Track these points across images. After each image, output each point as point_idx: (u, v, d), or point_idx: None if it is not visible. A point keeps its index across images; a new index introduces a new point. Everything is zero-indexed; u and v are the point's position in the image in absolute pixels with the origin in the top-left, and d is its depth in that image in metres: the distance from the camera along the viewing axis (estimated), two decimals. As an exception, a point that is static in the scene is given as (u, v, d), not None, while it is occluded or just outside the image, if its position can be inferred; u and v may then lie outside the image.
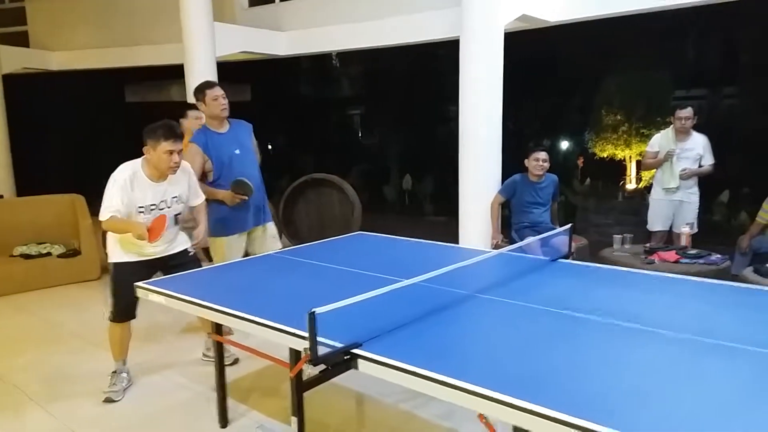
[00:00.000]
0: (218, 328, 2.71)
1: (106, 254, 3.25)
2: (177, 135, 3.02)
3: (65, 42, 9.61)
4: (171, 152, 2.98)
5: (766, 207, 4.98)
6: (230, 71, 8.51)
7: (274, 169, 13.18)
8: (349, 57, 12.94)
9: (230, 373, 3.01)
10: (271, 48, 7.96)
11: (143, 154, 3.08)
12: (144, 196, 3.03)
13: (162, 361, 3.76)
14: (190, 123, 4.56)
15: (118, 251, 3.16)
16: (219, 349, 2.82)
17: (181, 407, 3.15)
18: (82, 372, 3.62)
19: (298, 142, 14.07)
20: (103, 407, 3.15)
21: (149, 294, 2.63)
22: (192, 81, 6.96)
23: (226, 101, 3.68)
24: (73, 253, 5.72)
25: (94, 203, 4.04)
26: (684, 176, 4.92)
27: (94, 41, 9.34)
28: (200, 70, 6.91)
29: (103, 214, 2.94)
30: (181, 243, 3.35)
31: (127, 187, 2.97)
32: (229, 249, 3.73)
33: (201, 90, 3.67)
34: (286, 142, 15.01)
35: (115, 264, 3.17)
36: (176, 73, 7.41)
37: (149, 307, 4.25)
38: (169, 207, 3.14)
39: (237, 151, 3.73)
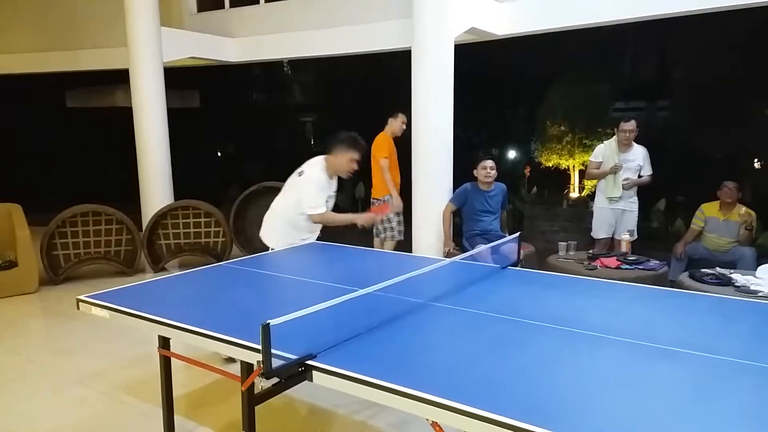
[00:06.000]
0: (165, 342, 2.63)
1: (261, 241, 3.76)
2: (361, 147, 3.59)
3: (2, 45, 9.16)
4: (354, 161, 3.58)
5: (699, 215, 5.27)
6: (178, 77, 8.34)
7: (225, 177, 12.96)
8: (301, 64, 12.90)
9: (177, 388, 2.92)
10: (220, 54, 7.84)
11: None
12: (329, 189, 3.63)
13: (105, 377, 3.61)
14: (394, 126, 5.47)
15: (281, 242, 3.65)
16: (167, 364, 2.73)
17: (125, 424, 3.04)
18: (17, 390, 3.43)
19: (249, 150, 13.87)
20: (39, 426, 3.00)
21: (92, 308, 2.52)
22: (137, 86, 6.79)
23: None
24: (9, 265, 5.43)
25: (32, 213, 3.85)
26: (626, 186, 5.14)
27: (34, 44, 8.95)
28: (146, 75, 6.76)
29: (319, 210, 3.53)
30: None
31: (324, 185, 3.57)
32: None
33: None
34: (237, 150, 14.77)
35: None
36: (121, 77, 7.20)
37: (92, 322, 4.09)
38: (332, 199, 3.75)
39: None
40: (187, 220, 6.50)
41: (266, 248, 3.78)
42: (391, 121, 5.50)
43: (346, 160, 3.56)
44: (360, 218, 3.62)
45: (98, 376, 3.63)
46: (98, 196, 6.63)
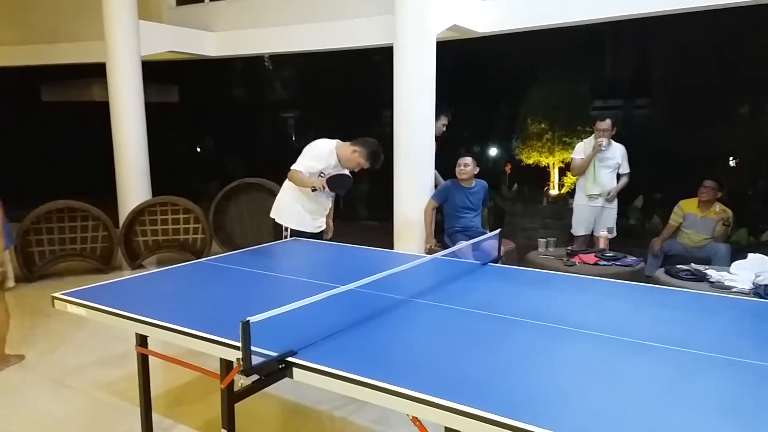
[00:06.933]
0: (143, 340, 2.60)
1: (275, 223, 3.95)
2: (373, 162, 3.81)
3: (-27, 37, 8.93)
4: (361, 165, 3.82)
5: (678, 211, 5.36)
6: (157, 71, 8.22)
7: (204, 173, 12.82)
8: (283, 60, 12.79)
9: (155, 386, 2.88)
10: (199, 48, 7.73)
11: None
12: (325, 166, 3.80)
13: (81, 375, 3.56)
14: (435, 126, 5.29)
15: (294, 221, 3.92)
16: (144, 362, 2.70)
17: (102, 423, 3.00)
18: (-10, 391, 3.36)
19: (229, 145, 13.73)
20: (15, 425, 2.94)
21: (68, 306, 2.48)
22: (114, 80, 6.68)
23: None
24: (-20, 262, 5.30)
25: (7, 208, 3.79)
26: (610, 199, 5.23)
27: (7, 37, 8.73)
28: (124, 69, 6.65)
29: (297, 167, 3.76)
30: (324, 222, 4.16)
31: (324, 159, 3.79)
32: None
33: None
34: (217, 145, 14.61)
35: (292, 230, 3.92)
36: (98, 71, 7.07)
37: (68, 320, 4.02)
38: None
39: None
40: (166, 217, 6.42)
41: (246, 245, 3.76)
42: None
43: (355, 157, 3.78)
44: (316, 183, 3.75)
45: (75, 374, 3.57)
46: (74, 191, 6.51)
